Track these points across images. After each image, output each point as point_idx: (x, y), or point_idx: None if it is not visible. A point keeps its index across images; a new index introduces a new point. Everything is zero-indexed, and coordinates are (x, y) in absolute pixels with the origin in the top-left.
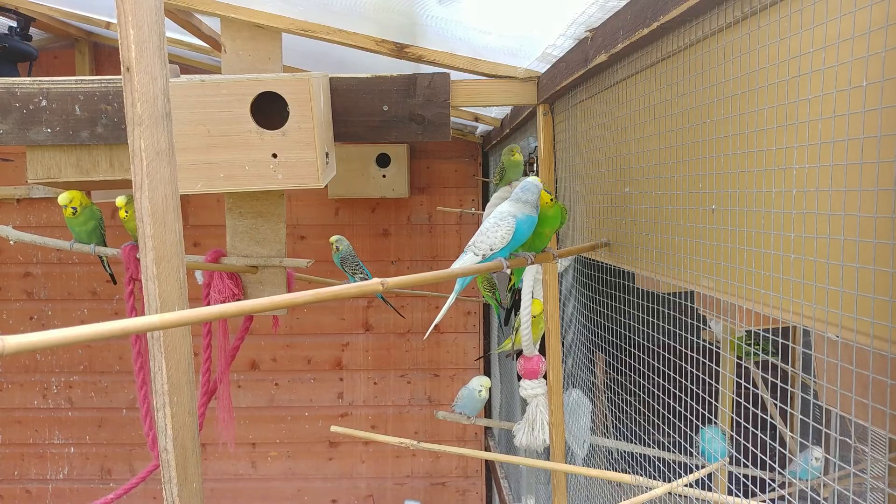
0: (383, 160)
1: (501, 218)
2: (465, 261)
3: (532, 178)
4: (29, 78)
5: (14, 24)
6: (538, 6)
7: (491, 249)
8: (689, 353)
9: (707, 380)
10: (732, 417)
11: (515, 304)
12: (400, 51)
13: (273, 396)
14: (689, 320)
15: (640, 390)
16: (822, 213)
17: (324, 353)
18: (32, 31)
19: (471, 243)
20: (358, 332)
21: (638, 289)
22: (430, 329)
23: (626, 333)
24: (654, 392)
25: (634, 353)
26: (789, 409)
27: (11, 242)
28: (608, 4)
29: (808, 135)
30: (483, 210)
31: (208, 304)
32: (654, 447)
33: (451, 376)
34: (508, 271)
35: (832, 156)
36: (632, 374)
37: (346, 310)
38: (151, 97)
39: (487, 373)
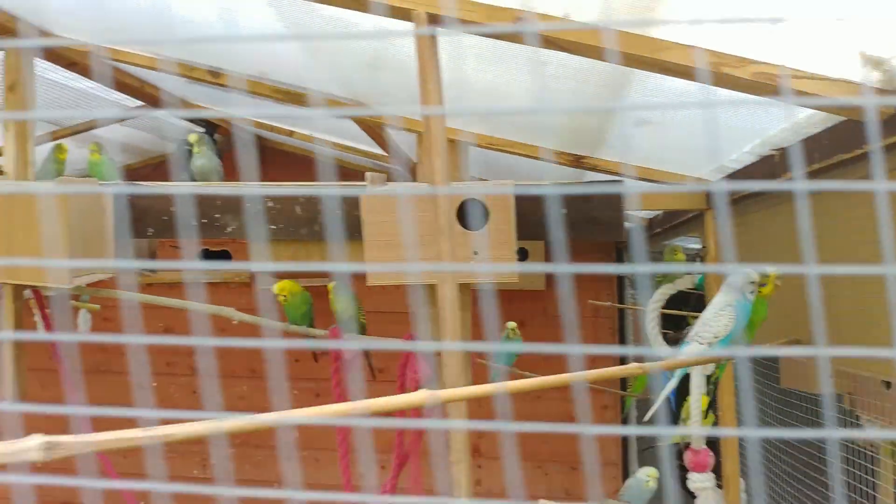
0: (520, 254)
1: (721, 308)
2: (691, 350)
3: (746, 269)
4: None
5: (202, 129)
6: (728, 131)
7: (715, 337)
8: (844, 454)
9: (862, 487)
10: None
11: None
12: (577, 161)
13: None
14: (846, 418)
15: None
16: None
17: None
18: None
19: (693, 333)
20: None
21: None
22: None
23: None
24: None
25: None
26: None
27: (234, 322)
28: (802, 131)
29: None
30: (620, 304)
31: (402, 384)
32: None
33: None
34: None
35: None
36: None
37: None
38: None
39: (626, 468)
